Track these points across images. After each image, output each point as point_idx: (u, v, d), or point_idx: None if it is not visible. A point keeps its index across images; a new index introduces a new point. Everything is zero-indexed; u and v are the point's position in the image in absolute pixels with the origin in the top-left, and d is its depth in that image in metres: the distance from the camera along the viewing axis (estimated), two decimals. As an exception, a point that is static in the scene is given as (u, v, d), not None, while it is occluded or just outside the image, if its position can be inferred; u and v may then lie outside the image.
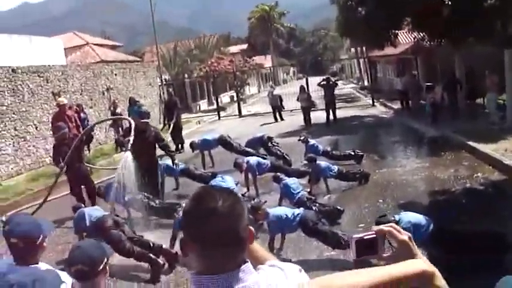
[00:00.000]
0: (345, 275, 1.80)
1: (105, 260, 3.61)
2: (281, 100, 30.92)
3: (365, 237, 1.90)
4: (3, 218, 13.29)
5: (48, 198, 12.95)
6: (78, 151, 12.81)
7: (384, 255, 1.91)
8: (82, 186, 12.86)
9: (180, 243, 2.02)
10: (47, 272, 3.19)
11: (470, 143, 15.45)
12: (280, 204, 10.24)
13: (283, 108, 31.02)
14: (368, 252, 1.92)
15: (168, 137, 21.97)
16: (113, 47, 51.38)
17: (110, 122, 24.44)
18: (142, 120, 12.79)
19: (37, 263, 3.65)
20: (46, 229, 3.80)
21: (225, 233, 1.85)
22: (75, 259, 3.46)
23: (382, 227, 1.92)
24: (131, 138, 11.06)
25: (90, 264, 3.47)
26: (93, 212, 9.21)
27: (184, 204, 2.42)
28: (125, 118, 17.83)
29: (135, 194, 10.67)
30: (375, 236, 1.90)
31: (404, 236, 1.89)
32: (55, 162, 12.79)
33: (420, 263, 1.80)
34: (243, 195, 11.54)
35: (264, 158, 14.35)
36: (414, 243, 1.90)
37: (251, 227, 1.96)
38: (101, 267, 3.55)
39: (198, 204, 1.90)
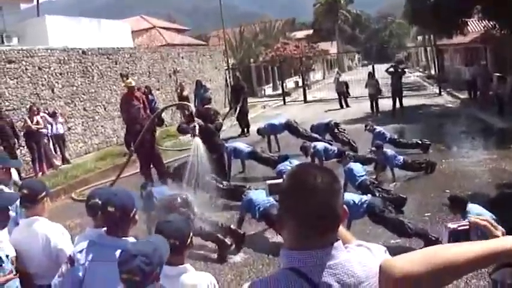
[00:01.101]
0: (448, 246, 1.84)
1: (191, 233, 3.68)
2: (347, 86, 30.67)
3: (459, 228, 1.92)
4: (73, 195, 13.78)
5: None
6: (151, 133, 13.07)
7: None
8: (151, 166, 13.14)
9: (275, 219, 2.05)
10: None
11: (541, 136, 15.06)
12: (345, 190, 10.16)
13: (349, 95, 30.78)
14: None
15: (234, 121, 22.19)
16: (179, 31, 51.65)
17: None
18: (205, 106, 13.03)
19: (127, 236, 3.71)
20: (137, 203, 3.83)
21: (323, 210, 1.88)
22: (165, 233, 3.47)
23: (477, 220, 1.94)
24: (197, 124, 11.29)
25: (181, 237, 3.54)
26: (162, 190, 9.40)
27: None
28: (186, 104, 18.16)
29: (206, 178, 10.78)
30: (468, 227, 1.94)
31: (499, 232, 1.90)
32: (126, 143, 13.07)
33: None
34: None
35: (330, 144, 14.35)
36: None
37: (345, 206, 1.98)
38: (189, 241, 3.63)
39: (298, 182, 1.93)
